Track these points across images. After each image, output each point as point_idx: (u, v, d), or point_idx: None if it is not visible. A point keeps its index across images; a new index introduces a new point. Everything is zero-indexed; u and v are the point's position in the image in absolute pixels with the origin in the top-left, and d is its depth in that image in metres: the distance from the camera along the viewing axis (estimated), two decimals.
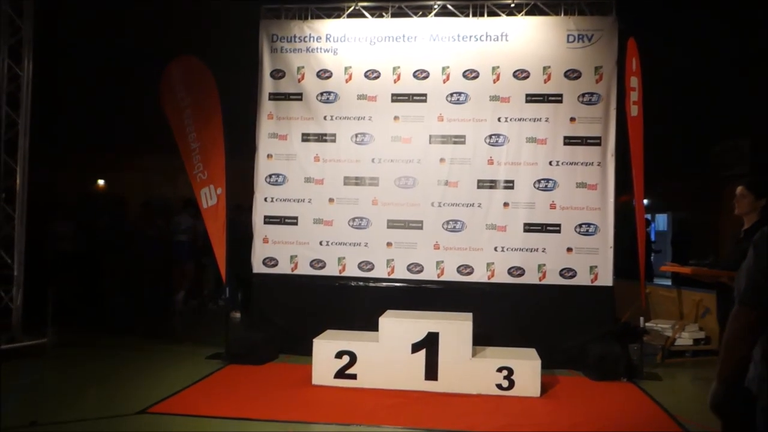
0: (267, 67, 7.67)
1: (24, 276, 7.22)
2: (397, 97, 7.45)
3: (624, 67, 6.91)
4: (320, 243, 7.49)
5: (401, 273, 7.36)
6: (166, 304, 10.28)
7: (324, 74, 7.58)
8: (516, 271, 7.17)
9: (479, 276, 7.23)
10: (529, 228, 7.18)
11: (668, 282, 10.78)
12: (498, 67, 7.30)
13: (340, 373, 6.00)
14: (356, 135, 7.49)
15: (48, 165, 10.74)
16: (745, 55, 11.31)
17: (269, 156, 7.62)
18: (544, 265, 7.13)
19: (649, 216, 14.13)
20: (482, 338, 6.18)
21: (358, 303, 7.19)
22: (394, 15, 7.55)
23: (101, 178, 14.72)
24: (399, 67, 7.46)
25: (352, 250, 7.44)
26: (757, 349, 2.33)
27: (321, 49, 7.59)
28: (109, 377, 6.26)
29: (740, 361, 2.38)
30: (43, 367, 6.66)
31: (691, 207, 14.19)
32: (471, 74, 7.34)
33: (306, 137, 7.58)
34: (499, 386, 5.82)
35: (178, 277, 10.66)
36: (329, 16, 7.67)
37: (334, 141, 7.52)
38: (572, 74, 7.19)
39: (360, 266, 7.42)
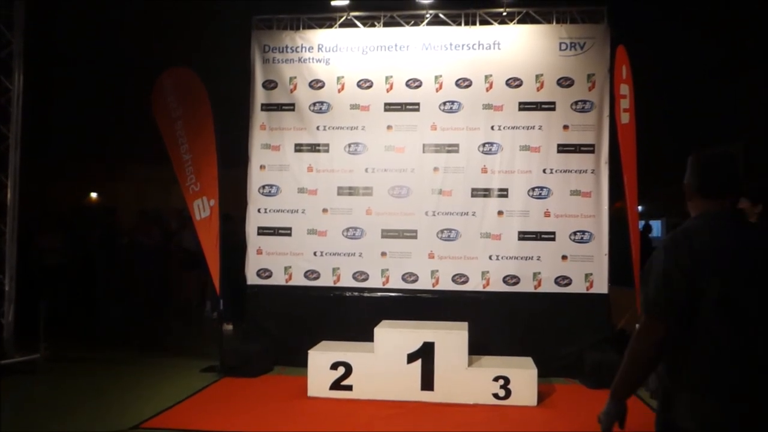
0: (259, 78, 7.65)
1: (15, 291, 7.15)
2: (390, 107, 7.44)
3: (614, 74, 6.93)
4: (314, 254, 7.45)
5: (396, 283, 7.33)
6: (163, 315, 10.22)
7: (316, 84, 7.57)
8: (511, 279, 7.15)
9: (474, 285, 7.20)
10: (524, 236, 7.16)
11: None
12: (491, 75, 7.30)
13: (336, 385, 5.96)
14: (349, 145, 7.47)
15: (39, 178, 10.70)
16: (737, 61, 11.39)
17: (262, 167, 7.59)
18: (539, 273, 7.11)
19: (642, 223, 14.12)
20: (478, 347, 6.14)
21: (353, 313, 7.15)
22: (386, 24, 7.55)
23: (93, 190, 14.67)
24: (391, 77, 7.45)
25: (347, 260, 7.41)
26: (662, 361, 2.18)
27: (313, 59, 7.59)
28: (102, 392, 6.18)
29: (643, 380, 2.22)
30: (36, 383, 6.57)
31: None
32: (464, 83, 7.34)
33: (299, 147, 7.56)
34: (496, 396, 5.79)
35: (197, 286, 10.75)
36: (321, 26, 7.66)
37: (327, 151, 7.50)
38: (565, 82, 7.20)
39: (354, 276, 7.39)
